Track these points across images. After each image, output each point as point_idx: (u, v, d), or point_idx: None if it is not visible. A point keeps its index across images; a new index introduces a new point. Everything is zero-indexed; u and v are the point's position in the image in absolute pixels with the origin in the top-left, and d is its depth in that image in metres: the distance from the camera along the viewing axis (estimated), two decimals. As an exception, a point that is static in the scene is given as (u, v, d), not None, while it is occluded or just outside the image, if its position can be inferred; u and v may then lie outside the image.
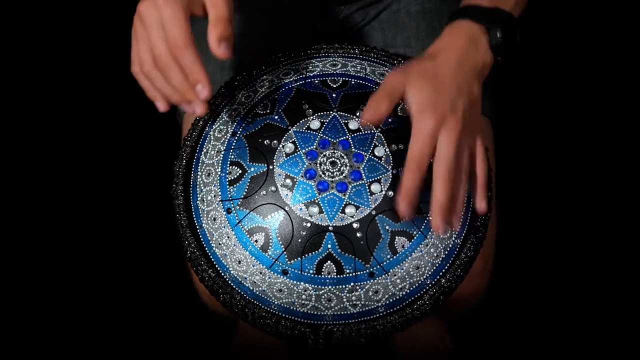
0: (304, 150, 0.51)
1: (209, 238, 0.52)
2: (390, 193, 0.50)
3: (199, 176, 0.54)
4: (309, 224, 0.49)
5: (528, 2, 0.55)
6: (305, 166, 0.50)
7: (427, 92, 0.46)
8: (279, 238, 0.50)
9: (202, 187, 0.53)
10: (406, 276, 0.50)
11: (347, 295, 0.50)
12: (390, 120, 0.52)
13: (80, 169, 1.15)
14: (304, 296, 0.50)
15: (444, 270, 0.52)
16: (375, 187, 0.50)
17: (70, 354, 0.97)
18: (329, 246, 0.49)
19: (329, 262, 0.49)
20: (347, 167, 0.50)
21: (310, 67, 0.57)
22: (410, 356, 0.92)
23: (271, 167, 0.51)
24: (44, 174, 1.14)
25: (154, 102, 0.48)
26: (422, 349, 0.91)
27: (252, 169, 0.51)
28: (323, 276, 0.49)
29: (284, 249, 0.50)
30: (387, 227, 0.49)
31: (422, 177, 0.45)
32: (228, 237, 0.51)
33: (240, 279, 0.51)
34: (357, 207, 0.49)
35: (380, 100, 0.46)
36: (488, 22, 0.51)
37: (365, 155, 0.50)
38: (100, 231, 1.09)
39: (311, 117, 0.52)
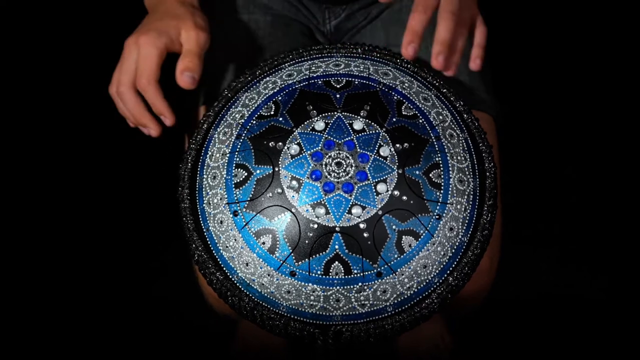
0: (309, 152, 0.51)
1: (216, 241, 0.53)
2: (396, 193, 0.50)
3: (204, 179, 0.54)
4: (316, 225, 0.49)
5: None
6: (310, 167, 0.50)
7: None
8: (286, 240, 0.50)
9: (208, 190, 0.54)
10: (414, 275, 0.50)
11: (356, 295, 0.50)
12: (394, 119, 0.52)
13: (86, 172, 1.15)
14: (312, 297, 0.50)
15: (451, 269, 0.52)
16: (381, 187, 0.50)
17: (73, 354, 0.97)
18: (337, 247, 0.49)
19: (336, 262, 0.49)
20: (353, 168, 0.50)
21: (313, 68, 0.57)
22: (411, 354, 0.92)
23: (277, 169, 0.51)
24: (49, 176, 1.14)
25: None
26: (422, 347, 0.91)
27: (258, 171, 0.51)
28: (331, 277, 0.49)
29: (291, 251, 0.50)
30: (393, 227, 0.49)
31: (428, 20, 0.49)
32: (235, 240, 0.51)
33: (248, 281, 0.51)
34: (363, 208, 0.49)
35: None
36: None
37: (371, 156, 0.50)
38: (105, 234, 1.10)
39: (315, 118, 0.52)
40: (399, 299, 0.51)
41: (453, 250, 0.52)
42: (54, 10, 1.23)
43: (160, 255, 1.06)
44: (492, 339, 0.98)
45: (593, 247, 1.09)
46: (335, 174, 0.50)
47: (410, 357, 0.92)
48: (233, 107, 0.57)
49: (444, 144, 0.53)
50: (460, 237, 0.52)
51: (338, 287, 0.50)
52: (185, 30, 0.55)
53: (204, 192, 0.54)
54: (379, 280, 0.50)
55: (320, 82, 0.55)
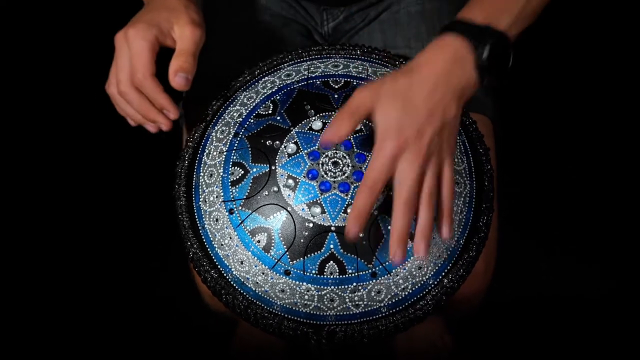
0: (306, 151, 0.51)
1: (212, 239, 0.52)
2: (392, 193, 0.50)
3: (201, 177, 0.54)
4: (311, 225, 0.49)
5: (533, 20, 0.51)
6: (307, 166, 0.50)
7: (394, 114, 0.44)
8: (281, 238, 0.50)
9: (205, 188, 0.54)
10: (408, 276, 0.50)
11: (350, 295, 0.50)
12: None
13: (82, 170, 1.15)
14: (306, 296, 0.50)
15: (446, 270, 0.52)
16: None
17: (73, 353, 0.97)
18: (332, 246, 0.49)
19: (331, 262, 0.49)
20: (349, 168, 0.50)
21: (312, 68, 0.57)
22: (409, 355, 0.92)
23: (273, 167, 0.51)
24: (46, 175, 1.14)
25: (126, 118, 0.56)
26: (421, 347, 0.91)
27: (255, 170, 0.51)
28: (325, 276, 0.49)
29: (286, 250, 0.50)
30: (389, 227, 0.49)
31: (375, 200, 0.44)
32: (230, 238, 0.51)
33: (242, 280, 0.51)
34: None
35: (343, 120, 0.45)
36: (476, 39, 0.46)
37: (367, 156, 0.50)
38: (102, 232, 1.10)
39: (313, 118, 0.52)
40: (394, 300, 0.50)
41: (448, 252, 0.52)
42: (54, 10, 1.23)
43: (159, 254, 1.06)
44: (491, 339, 0.98)
45: (591, 248, 1.08)
46: (332, 174, 0.50)
47: (409, 357, 0.92)
48: (231, 105, 0.57)
49: (441, 145, 0.53)
50: (455, 239, 0.52)
51: (332, 287, 0.49)
52: (179, 25, 0.52)
53: (200, 190, 0.54)
54: (374, 281, 0.50)
55: (318, 83, 0.55)
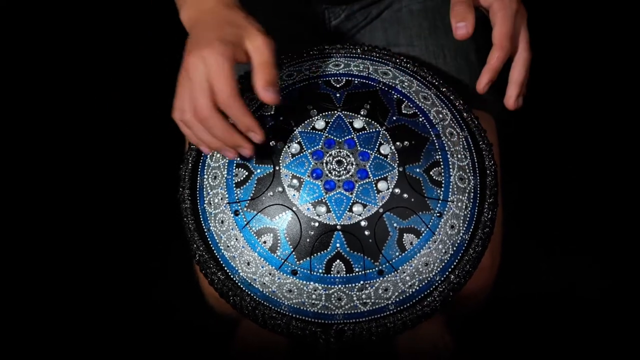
0: (309, 150, 0.51)
1: (217, 241, 0.53)
2: (397, 190, 0.50)
3: (205, 179, 0.54)
4: (317, 224, 0.49)
5: None
6: (311, 166, 0.50)
7: None
8: (287, 238, 0.50)
9: (209, 190, 0.54)
10: (415, 273, 0.50)
11: (357, 293, 0.50)
12: (394, 118, 0.52)
13: (86, 174, 1.15)
14: (314, 296, 0.50)
15: (452, 266, 0.52)
16: (382, 185, 0.50)
17: (74, 354, 0.97)
18: (338, 245, 0.49)
19: (338, 261, 0.49)
20: (354, 166, 0.50)
21: (313, 68, 0.57)
22: (410, 355, 0.92)
23: (277, 168, 0.51)
24: (51, 177, 1.14)
25: (197, 146, 0.51)
26: (422, 347, 0.91)
27: (259, 171, 0.51)
28: (332, 275, 0.49)
29: (292, 250, 0.50)
30: (395, 225, 0.49)
31: (507, 57, 0.49)
32: (236, 239, 0.51)
33: (249, 281, 0.51)
34: (364, 206, 0.49)
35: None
36: None
37: (371, 154, 0.50)
38: (106, 234, 1.10)
39: (316, 117, 0.52)
40: (401, 297, 0.50)
41: (454, 248, 0.52)
42: (54, 10, 1.23)
43: (160, 255, 1.06)
44: (492, 339, 0.98)
45: (595, 245, 1.08)
46: (336, 172, 0.50)
47: (410, 357, 0.92)
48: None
49: (444, 142, 0.53)
50: (461, 234, 0.52)
51: (340, 286, 0.50)
52: (250, 38, 0.47)
53: (204, 192, 0.54)
54: (381, 279, 0.50)
55: (320, 82, 0.55)
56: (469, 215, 0.52)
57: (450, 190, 0.51)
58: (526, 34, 0.51)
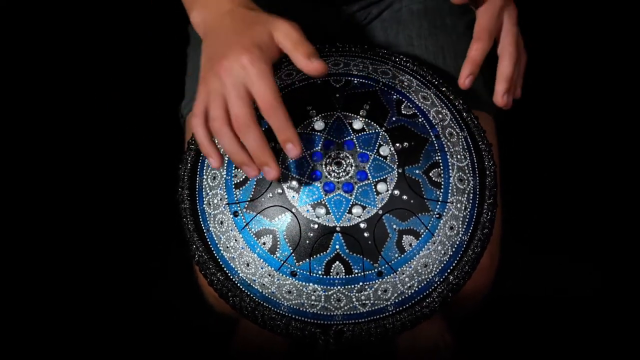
0: (309, 152, 0.51)
1: (217, 241, 0.53)
2: (396, 192, 0.50)
3: (204, 180, 0.54)
4: (316, 225, 0.49)
5: None
6: (310, 167, 0.50)
7: None
8: (286, 240, 0.50)
9: (208, 191, 0.54)
10: (414, 274, 0.50)
11: (356, 295, 0.50)
12: (394, 119, 0.52)
13: (86, 174, 1.15)
14: (313, 297, 0.50)
15: (451, 267, 0.52)
16: (381, 187, 0.50)
17: (74, 354, 0.97)
18: (337, 247, 0.49)
19: (337, 262, 0.49)
20: (353, 167, 0.50)
21: None
22: (411, 354, 0.92)
23: None
24: (50, 177, 1.14)
25: (207, 158, 0.48)
26: (423, 346, 0.91)
27: None
28: (332, 277, 0.49)
29: (292, 251, 0.50)
30: (394, 226, 0.49)
31: (488, 49, 0.50)
32: (236, 240, 0.51)
33: (249, 282, 0.51)
34: (363, 207, 0.49)
35: None
36: None
37: (371, 155, 0.50)
38: (105, 235, 1.10)
39: (315, 118, 0.52)
40: (400, 298, 0.51)
41: (453, 249, 0.52)
42: (54, 10, 1.23)
43: (160, 255, 1.06)
44: (492, 339, 0.98)
45: (594, 244, 1.09)
46: (335, 174, 0.50)
47: (410, 357, 0.93)
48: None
49: (443, 142, 0.53)
50: (460, 235, 0.52)
51: (339, 287, 0.50)
52: (277, 30, 0.46)
53: (204, 193, 0.54)
54: (380, 280, 0.50)
55: (319, 82, 0.55)
56: (468, 217, 0.52)
57: (450, 191, 0.51)
58: (513, 29, 0.52)
